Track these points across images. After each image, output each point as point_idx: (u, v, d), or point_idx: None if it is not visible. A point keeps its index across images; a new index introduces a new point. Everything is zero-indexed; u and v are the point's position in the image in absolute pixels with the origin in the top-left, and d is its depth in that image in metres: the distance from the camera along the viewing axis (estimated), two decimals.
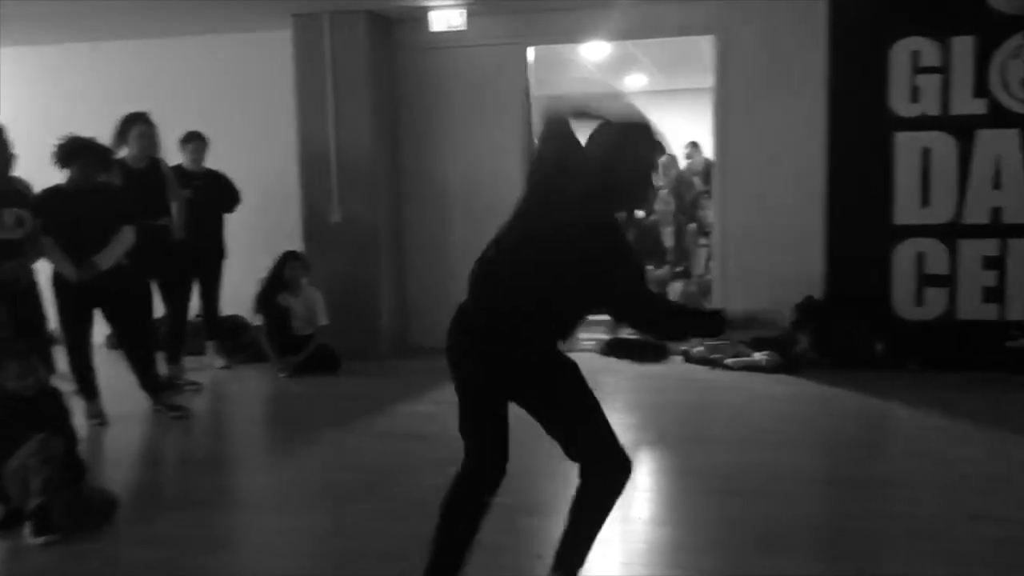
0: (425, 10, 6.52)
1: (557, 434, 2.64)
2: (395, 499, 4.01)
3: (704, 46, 7.33)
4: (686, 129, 9.82)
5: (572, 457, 2.65)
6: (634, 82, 10.87)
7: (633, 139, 2.59)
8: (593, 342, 7.33)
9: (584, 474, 2.66)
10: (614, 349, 6.97)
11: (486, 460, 2.70)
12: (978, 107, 6.16)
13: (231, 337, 6.95)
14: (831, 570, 3.27)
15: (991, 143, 6.15)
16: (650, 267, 7.69)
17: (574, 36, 7.21)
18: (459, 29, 6.45)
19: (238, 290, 6.72)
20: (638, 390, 6.07)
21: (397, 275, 7.28)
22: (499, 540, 3.48)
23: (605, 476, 2.65)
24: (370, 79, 6.84)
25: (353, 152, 6.90)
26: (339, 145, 6.91)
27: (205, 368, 6.67)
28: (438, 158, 7.24)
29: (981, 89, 6.15)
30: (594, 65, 9.45)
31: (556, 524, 3.24)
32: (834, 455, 4.71)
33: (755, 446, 4.71)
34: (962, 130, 6.19)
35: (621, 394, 5.96)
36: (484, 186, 7.10)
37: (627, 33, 7.09)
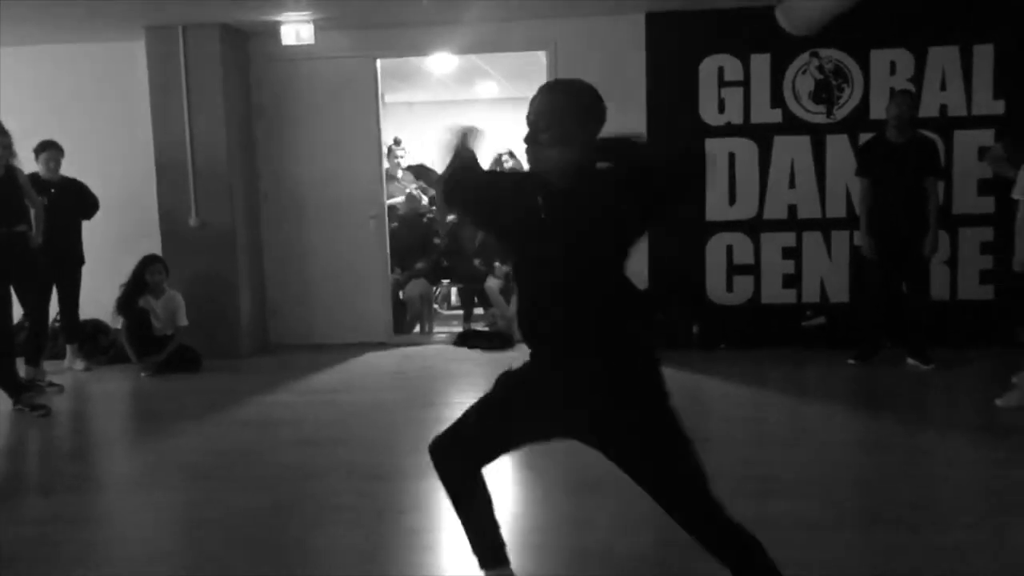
0: (276, 24, 6.88)
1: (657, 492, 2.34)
2: (253, 476, 4.39)
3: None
4: None
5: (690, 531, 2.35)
6: (485, 90, 11.44)
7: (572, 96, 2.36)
8: (445, 334, 7.88)
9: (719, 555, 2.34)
10: (465, 339, 7.52)
11: (471, 457, 2.56)
12: (775, 116, 7.02)
13: (91, 340, 7.13)
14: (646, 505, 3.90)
15: (786, 148, 7.02)
16: (497, 264, 8.27)
17: (420, 50, 7.71)
18: (308, 43, 6.83)
19: (98, 294, 6.93)
20: (490, 374, 6.49)
21: (255, 276, 7.60)
22: (350, 502, 3.98)
23: (745, 556, 2.29)
24: (225, 89, 7.14)
25: (209, 159, 7.18)
26: (195, 152, 7.18)
27: (65, 371, 6.84)
28: (294, 164, 7.60)
29: (777, 100, 7.01)
30: (444, 75, 9.98)
31: (401, 487, 3.76)
32: None
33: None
34: (761, 137, 7.03)
35: (475, 377, 6.48)
36: (339, 190, 7.54)
37: (469, 48, 7.66)
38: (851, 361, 6.31)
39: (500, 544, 2.62)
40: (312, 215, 7.62)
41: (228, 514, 3.88)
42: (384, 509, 3.87)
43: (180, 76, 7.10)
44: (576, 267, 2.30)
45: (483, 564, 2.60)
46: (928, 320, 6.27)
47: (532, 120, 2.33)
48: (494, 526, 2.60)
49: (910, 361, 6.14)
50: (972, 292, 6.94)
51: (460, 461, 2.55)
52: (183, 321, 6.88)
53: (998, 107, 6.80)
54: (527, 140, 2.35)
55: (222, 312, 7.27)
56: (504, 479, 4.50)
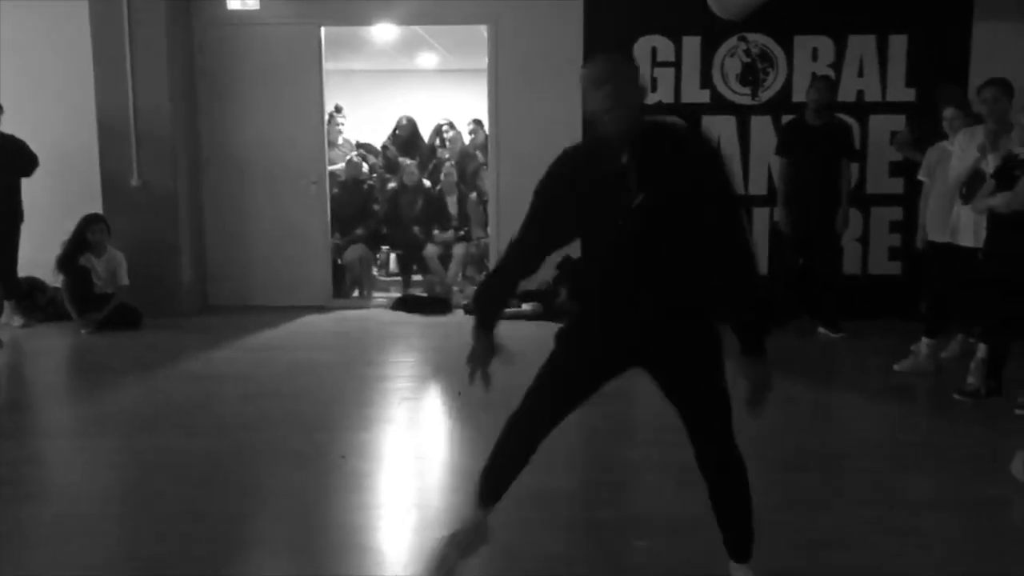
0: None
1: (693, 413, 2.60)
2: (198, 425, 4.59)
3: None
4: (475, 106, 10.65)
5: (701, 460, 2.62)
6: (426, 61, 11.56)
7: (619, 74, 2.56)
8: (384, 299, 8.09)
9: (713, 476, 2.64)
10: (403, 304, 7.74)
11: (547, 426, 2.70)
12: (703, 97, 7.35)
13: (28, 297, 7.16)
14: (584, 452, 4.20)
15: (714, 127, 7.34)
16: (436, 231, 8.50)
17: (365, 19, 7.84)
18: (253, 8, 6.91)
19: (37, 253, 6.95)
20: (428, 336, 6.82)
21: (196, 238, 7.69)
22: (294, 447, 4.21)
23: (733, 475, 2.62)
24: (168, 51, 7.19)
25: (152, 120, 7.23)
26: (137, 113, 7.22)
27: (3, 327, 6.87)
28: (236, 128, 7.69)
29: (706, 81, 7.35)
30: (386, 44, 10.09)
31: (342, 436, 4.02)
32: None
33: (520, 371, 5.61)
34: (691, 116, 7.35)
35: (413, 339, 6.73)
36: (281, 155, 7.66)
37: (412, 19, 7.83)
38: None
39: (501, 493, 2.80)
40: (254, 179, 7.73)
41: (174, 458, 4.08)
42: (326, 454, 4.10)
43: (123, 37, 7.12)
44: (661, 229, 2.46)
45: (483, 502, 2.80)
46: (839, 292, 6.70)
47: (595, 76, 2.51)
48: (510, 478, 2.79)
49: (821, 329, 6.57)
50: (882, 267, 7.40)
51: (547, 422, 2.70)
52: (124, 280, 6.96)
53: (910, 94, 7.23)
54: (609, 102, 2.46)
55: (163, 273, 7.35)
56: (441, 430, 4.79)
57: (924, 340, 5.52)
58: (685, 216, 2.47)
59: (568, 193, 2.58)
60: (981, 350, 4.97)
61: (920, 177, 5.92)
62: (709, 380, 2.58)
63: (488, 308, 2.81)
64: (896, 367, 5.54)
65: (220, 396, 5.12)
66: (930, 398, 5.16)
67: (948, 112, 5.56)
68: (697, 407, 2.60)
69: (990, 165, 4.81)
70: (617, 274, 2.57)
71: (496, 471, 2.79)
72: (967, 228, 5.15)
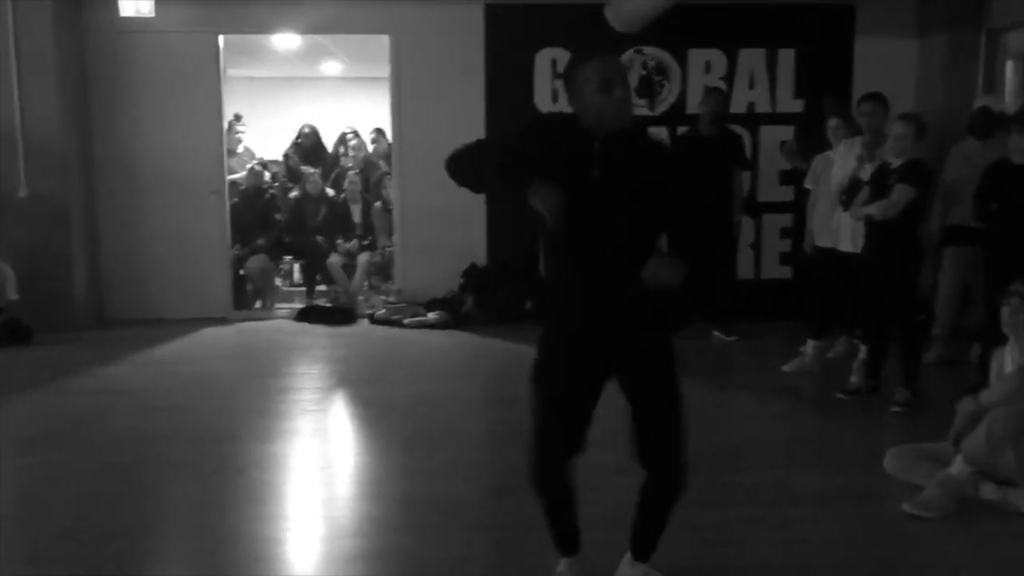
0: None
1: (651, 417, 2.67)
2: (91, 441, 4.49)
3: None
4: (380, 114, 10.63)
5: (645, 458, 2.69)
6: (330, 69, 11.49)
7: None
8: (287, 310, 8.01)
9: (653, 476, 2.72)
10: (307, 315, 7.68)
11: (566, 452, 2.69)
12: None
13: None
14: (486, 458, 4.29)
15: None
16: (340, 240, 8.46)
17: (264, 27, 7.76)
18: (147, 16, 6.78)
19: None
20: (332, 346, 6.79)
21: (91, 250, 7.48)
22: (191, 461, 4.16)
23: (673, 480, 2.71)
24: (57, 59, 6.98)
25: (40, 129, 7.00)
26: (25, 122, 6.99)
27: None
28: (132, 137, 7.50)
29: None
30: (289, 52, 10.00)
31: (240, 448, 3.98)
32: (485, 383, 5.79)
33: (426, 380, 5.70)
34: None
35: (317, 350, 6.68)
36: (179, 164, 7.52)
37: (313, 28, 7.78)
38: None
39: (577, 532, 2.80)
40: (151, 189, 7.56)
41: (66, 476, 3.98)
42: (224, 467, 4.07)
43: (8, 43, 6.88)
44: (624, 220, 2.51)
45: (564, 552, 2.80)
46: (733, 296, 6.95)
47: (603, 76, 2.49)
48: (575, 516, 2.78)
49: (715, 333, 6.80)
50: (774, 272, 7.72)
51: (561, 464, 2.69)
52: (14, 294, 6.73)
53: (797, 105, 7.57)
54: (600, 88, 2.47)
55: (55, 285, 7.12)
56: (346, 441, 4.80)
57: (810, 342, 5.79)
58: (647, 208, 2.54)
59: (538, 149, 2.56)
60: (862, 351, 5.24)
61: (807, 185, 6.20)
62: (669, 381, 2.68)
63: (493, 165, 2.59)
64: (784, 368, 5.79)
65: (116, 411, 5.01)
66: (815, 397, 5.40)
67: (831, 123, 5.84)
68: (656, 406, 2.68)
69: (867, 174, 5.08)
70: (579, 259, 2.58)
71: (554, 519, 2.77)
72: (847, 234, 5.43)
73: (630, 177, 2.53)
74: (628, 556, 2.85)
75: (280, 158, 9.36)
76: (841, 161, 5.51)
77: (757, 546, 3.31)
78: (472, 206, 7.52)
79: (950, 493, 3.56)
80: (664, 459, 2.69)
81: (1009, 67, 7.12)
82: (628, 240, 2.55)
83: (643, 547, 2.82)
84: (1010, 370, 3.74)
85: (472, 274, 7.58)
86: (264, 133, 9.97)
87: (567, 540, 2.80)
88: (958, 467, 3.61)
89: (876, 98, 5.38)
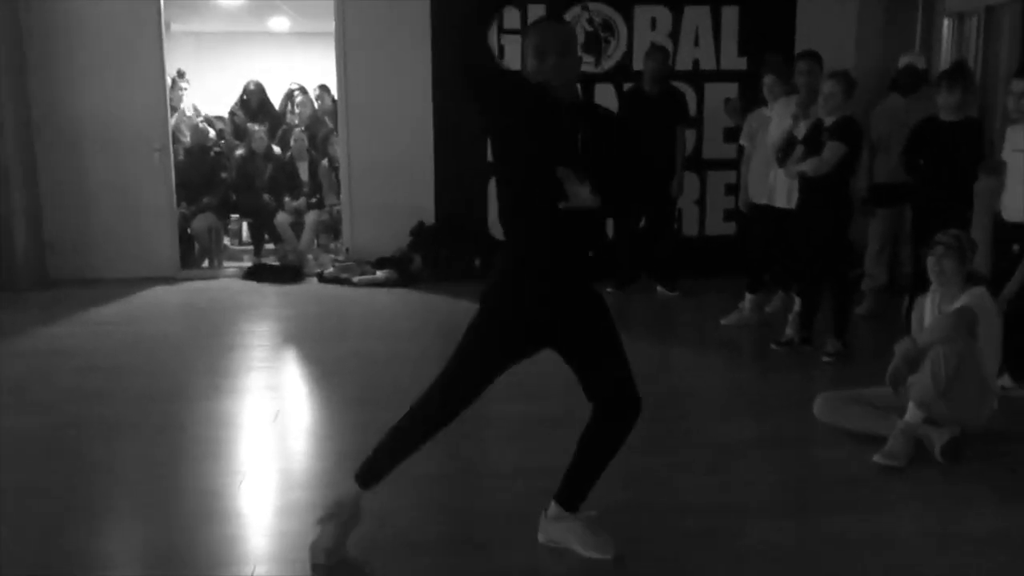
0: None
1: (593, 366, 2.79)
2: (32, 401, 4.49)
3: None
4: (328, 70, 10.50)
5: (594, 392, 2.80)
6: (277, 24, 11.31)
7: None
8: (235, 268, 7.98)
9: (603, 410, 2.82)
10: (255, 273, 7.66)
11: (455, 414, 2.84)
12: None
13: None
14: None
15: None
16: (287, 199, 8.42)
17: None
18: None
19: None
20: (281, 305, 6.79)
21: (31, 209, 7.34)
22: (133, 419, 4.19)
23: (625, 412, 2.80)
24: None
25: None
26: None
27: None
28: (71, 91, 7.34)
29: None
30: (234, 7, 9.83)
31: (183, 407, 4.01)
32: (432, 341, 5.82)
33: (375, 338, 5.76)
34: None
35: (265, 308, 6.69)
36: (121, 121, 7.38)
37: None
38: (609, 290, 6.99)
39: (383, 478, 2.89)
40: (93, 146, 7.43)
41: (6, 437, 3.97)
42: (167, 425, 4.11)
43: None
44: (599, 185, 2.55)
45: (363, 484, 2.87)
46: (676, 252, 7.08)
47: (536, 44, 2.62)
48: (396, 465, 2.88)
49: (659, 288, 6.93)
50: (718, 228, 7.84)
51: (451, 419, 2.83)
52: None
53: (742, 63, 7.64)
54: (557, 53, 2.58)
55: None
56: (294, 397, 4.84)
57: (747, 296, 5.94)
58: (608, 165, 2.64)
59: (523, 103, 2.60)
60: (797, 303, 5.40)
61: (741, 142, 6.32)
62: (611, 328, 2.79)
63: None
64: (723, 321, 5.94)
65: (58, 371, 4.99)
66: (751, 349, 5.57)
67: (767, 80, 5.93)
68: (604, 346, 2.78)
69: (802, 132, 5.20)
70: (555, 222, 2.60)
71: (387, 457, 2.87)
72: (782, 190, 5.56)
73: (601, 144, 2.66)
74: (554, 509, 2.91)
75: (226, 115, 9.24)
76: (777, 119, 5.62)
77: (687, 488, 3.45)
78: (422, 164, 7.56)
79: (910, 439, 3.70)
80: (618, 382, 2.79)
81: (946, 24, 7.27)
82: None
83: (575, 496, 2.90)
84: (930, 318, 3.90)
85: (420, 232, 7.60)
86: (210, 90, 9.83)
87: (377, 477, 2.87)
88: (911, 413, 3.74)
89: (812, 56, 5.49)
